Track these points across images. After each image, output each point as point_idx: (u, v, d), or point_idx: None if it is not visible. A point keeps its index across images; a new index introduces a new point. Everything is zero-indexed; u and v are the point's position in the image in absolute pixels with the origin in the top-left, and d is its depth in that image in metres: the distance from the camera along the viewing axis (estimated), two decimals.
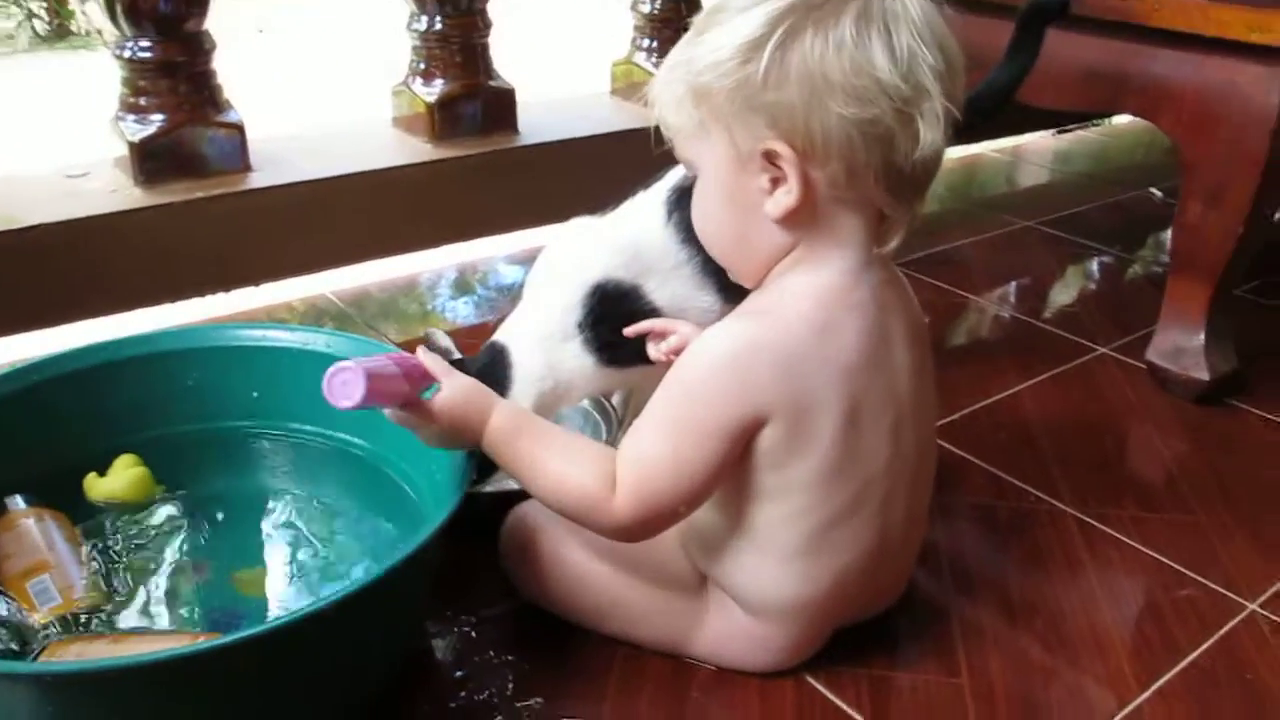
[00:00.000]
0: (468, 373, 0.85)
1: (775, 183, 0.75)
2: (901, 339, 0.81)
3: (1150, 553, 1.05)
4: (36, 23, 7.53)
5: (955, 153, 2.40)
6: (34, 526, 0.90)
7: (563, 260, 1.04)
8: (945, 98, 0.72)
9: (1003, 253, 1.84)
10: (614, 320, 1.00)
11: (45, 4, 7.53)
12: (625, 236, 1.02)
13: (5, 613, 0.84)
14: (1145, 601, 0.99)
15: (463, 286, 1.61)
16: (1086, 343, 1.49)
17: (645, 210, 1.01)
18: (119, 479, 0.97)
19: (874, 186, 0.74)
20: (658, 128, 0.81)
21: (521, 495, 0.94)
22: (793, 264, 0.79)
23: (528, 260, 1.67)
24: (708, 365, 0.78)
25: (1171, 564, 1.03)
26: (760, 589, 0.83)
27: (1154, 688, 0.88)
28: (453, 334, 1.43)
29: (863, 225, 0.77)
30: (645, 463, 0.78)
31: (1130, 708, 0.86)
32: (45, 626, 0.83)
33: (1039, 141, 2.58)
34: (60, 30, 7.52)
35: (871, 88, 0.70)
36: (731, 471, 0.79)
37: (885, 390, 0.80)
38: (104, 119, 1.39)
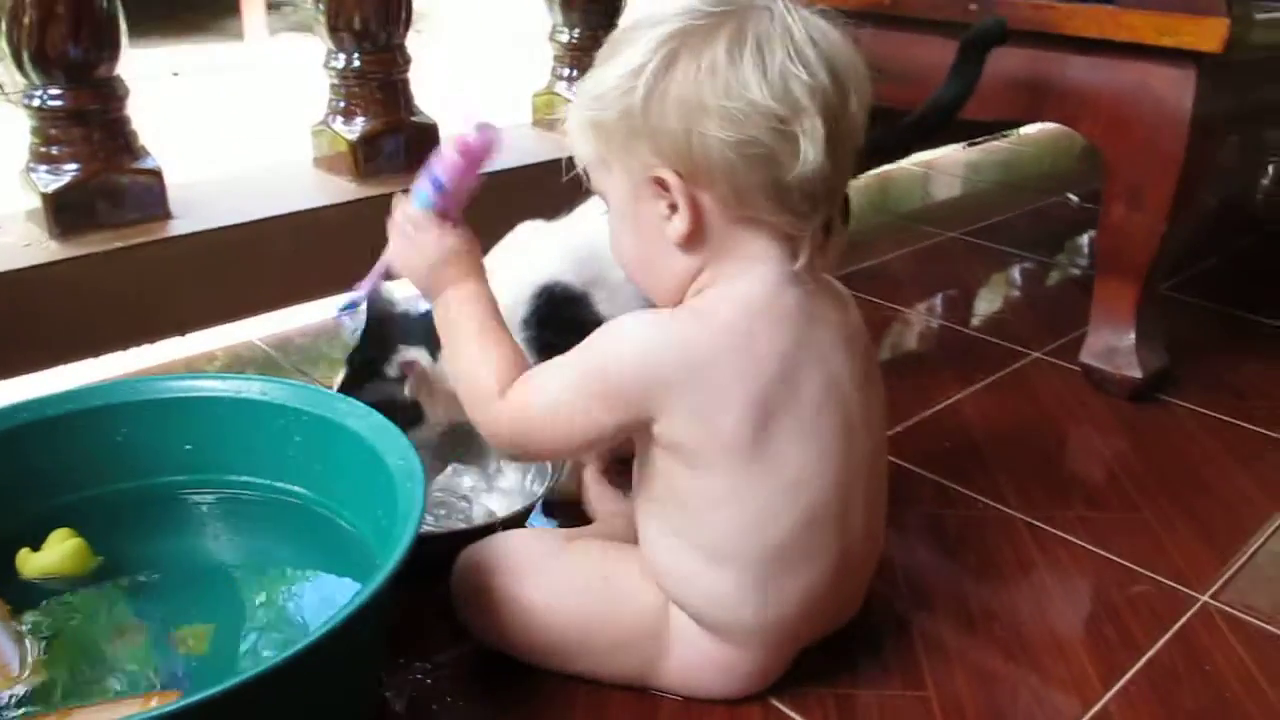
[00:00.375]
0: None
1: (672, 209, 0.76)
2: (839, 350, 0.81)
3: (1100, 551, 1.06)
4: None
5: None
6: None
7: (514, 258, 1.03)
8: (827, 114, 0.73)
9: (929, 264, 1.86)
10: (558, 324, 0.98)
11: None
12: (579, 240, 1.01)
13: None
14: (1100, 601, 1.00)
15: None
16: (1020, 348, 1.51)
17: (599, 218, 1.00)
18: (54, 552, 0.92)
19: (764, 204, 0.75)
20: (570, 158, 0.82)
21: (472, 536, 0.93)
22: (705, 285, 0.79)
23: None
24: (624, 347, 0.79)
25: (1122, 561, 1.04)
26: (724, 609, 0.82)
27: (1117, 686, 0.89)
28: None
29: (770, 243, 0.78)
30: (534, 391, 0.82)
31: (1096, 708, 0.86)
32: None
33: (951, 154, 2.62)
34: None
35: (745, 109, 0.71)
36: (606, 445, 0.83)
37: (823, 398, 0.79)
38: (14, 172, 1.35)
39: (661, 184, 0.75)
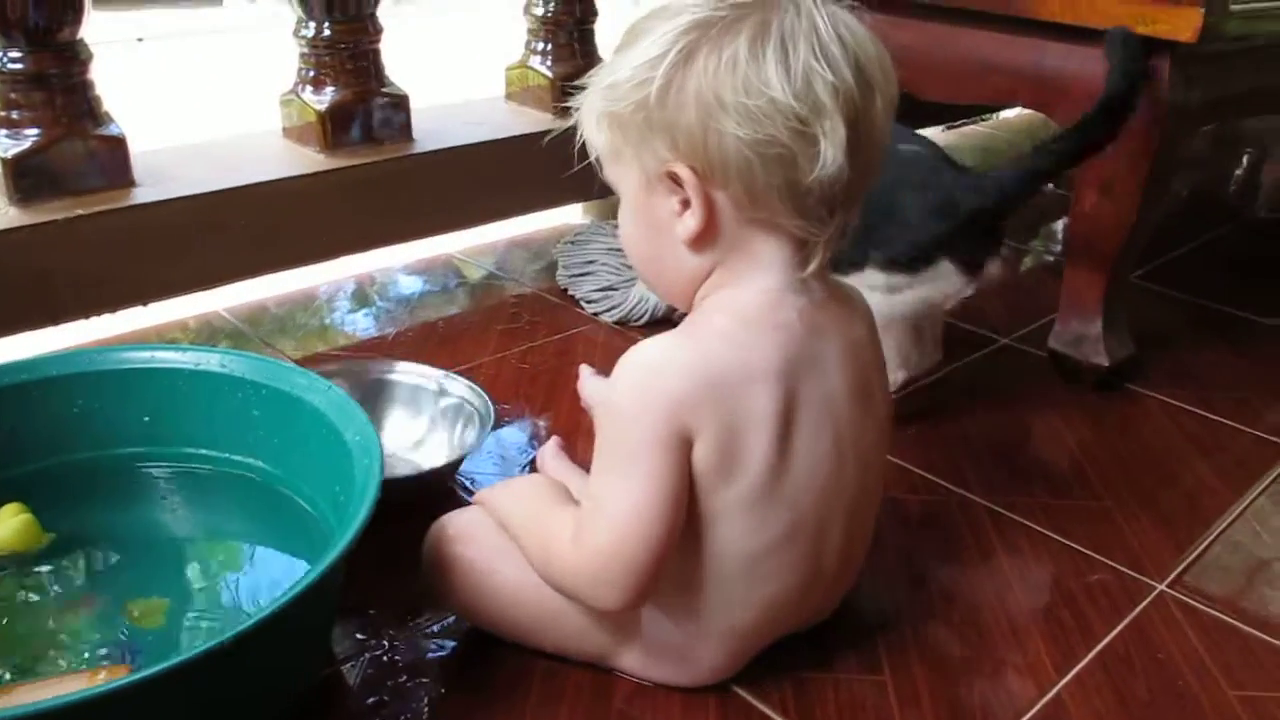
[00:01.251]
0: None
1: (684, 205, 0.74)
2: (837, 364, 0.79)
3: (1060, 539, 1.06)
4: None
5: None
6: None
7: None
8: (850, 115, 0.70)
9: None
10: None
11: None
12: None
13: None
14: (1058, 588, 1.00)
15: (361, 299, 1.57)
16: (988, 333, 1.51)
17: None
18: (2, 529, 0.91)
19: (780, 207, 0.73)
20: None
21: (435, 475, 0.94)
22: (714, 288, 0.78)
23: (426, 271, 1.65)
24: (629, 384, 0.76)
25: (1081, 549, 1.05)
26: (691, 615, 0.81)
27: (1072, 673, 0.89)
28: (352, 347, 1.40)
29: (780, 247, 0.76)
30: (590, 499, 0.77)
31: (1050, 694, 0.87)
32: None
33: (929, 137, 2.61)
34: None
35: (765, 107, 0.69)
36: (682, 492, 0.75)
37: (817, 414, 0.77)
38: None
39: (675, 179, 0.73)
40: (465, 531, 0.87)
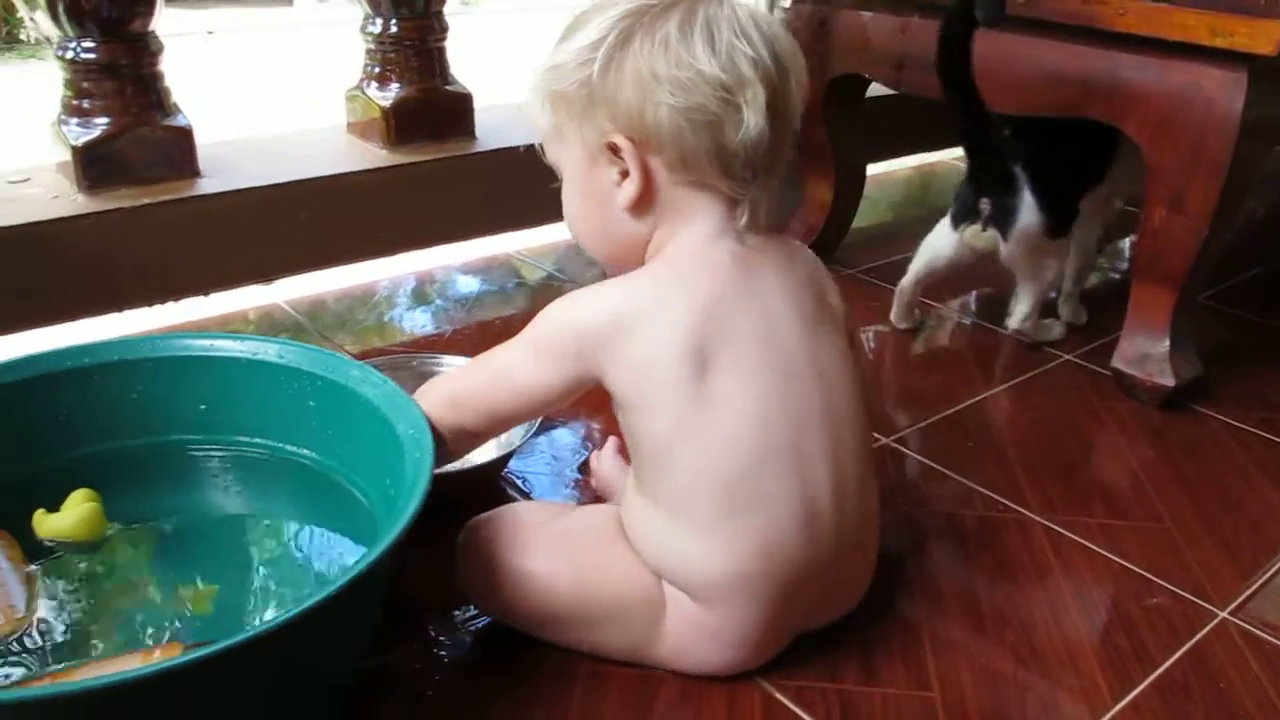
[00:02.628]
0: None
1: (623, 175, 0.82)
2: (779, 295, 0.84)
3: (1119, 560, 1.04)
4: None
5: (910, 161, 2.40)
6: None
7: None
8: (769, 86, 0.79)
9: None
10: None
11: None
12: None
13: None
14: (1115, 610, 0.98)
15: (419, 296, 1.58)
16: (1051, 350, 1.48)
17: None
18: (67, 517, 0.91)
19: (709, 169, 0.81)
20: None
21: (487, 470, 0.97)
22: (654, 249, 0.85)
23: (485, 270, 1.66)
24: (549, 313, 0.86)
25: (1141, 571, 1.02)
26: (687, 564, 0.82)
27: (1127, 699, 0.87)
28: (410, 344, 1.41)
29: (711, 204, 0.83)
30: (481, 363, 0.91)
31: (1105, 719, 0.84)
32: None
33: None
34: (9, 39, 7.41)
35: (694, 78, 0.78)
36: (558, 401, 0.88)
37: (753, 340, 0.82)
38: (45, 127, 1.35)
39: (615, 150, 0.81)
40: (491, 530, 0.89)
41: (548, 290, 1.61)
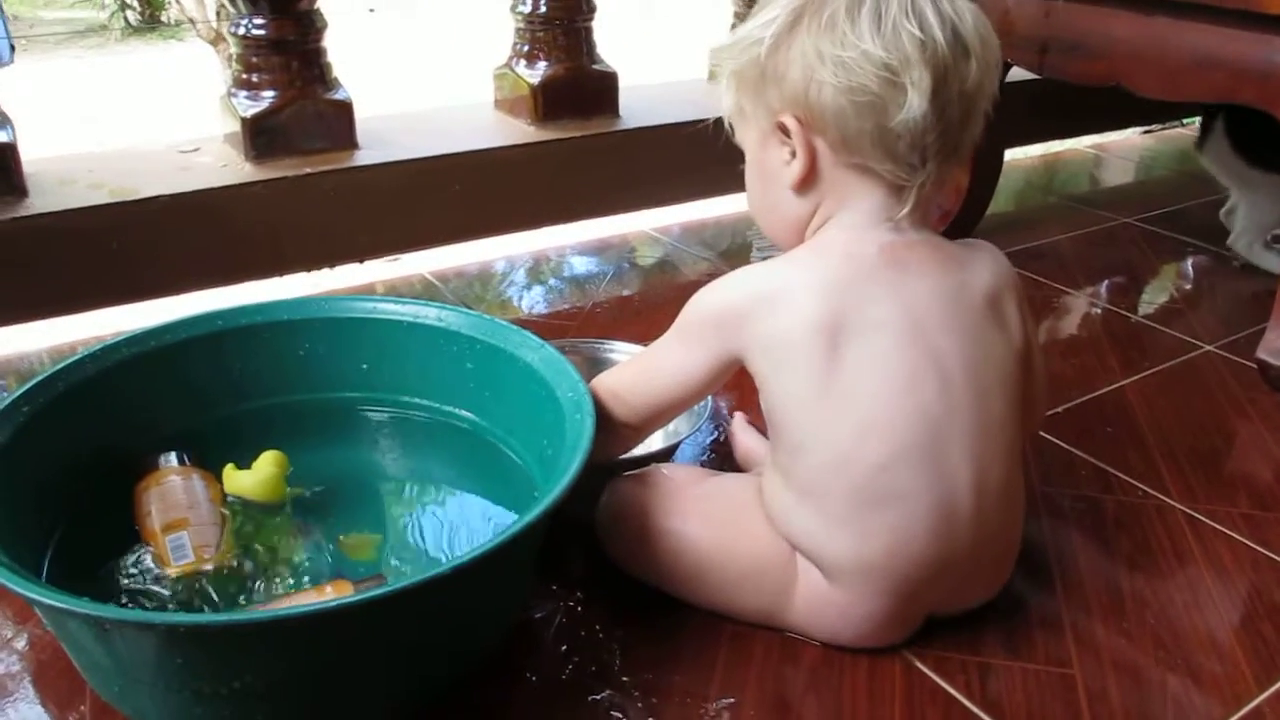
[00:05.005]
0: None
1: (792, 155, 0.83)
2: (931, 299, 0.83)
3: (1264, 551, 1.03)
4: (129, 13, 7.73)
5: (1036, 150, 2.37)
6: (180, 484, 0.93)
7: None
8: (936, 68, 0.78)
9: (1099, 248, 1.81)
10: None
11: None
12: None
13: (147, 564, 0.87)
14: (1261, 600, 0.97)
15: (546, 272, 1.63)
16: (1191, 339, 1.46)
17: None
18: (251, 476, 0.96)
19: (871, 152, 0.80)
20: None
21: (620, 466, 0.96)
22: (814, 230, 0.86)
23: (600, 250, 1.69)
24: (701, 296, 0.87)
25: None
26: (818, 546, 0.84)
27: (1273, 688, 0.86)
28: (549, 316, 1.45)
29: (871, 190, 0.83)
30: (638, 361, 0.94)
31: (1248, 707, 0.84)
32: (176, 580, 0.86)
33: (1126, 139, 2.53)
34: (151, 21, 7.70)
35: (857, 58, 0.77)
36: (704, 387, 0.89)
37: (898, 339, 0.81)
38: (197, 104, 1.42)
39: (784, 130, 0.82)
40: (633, 491, 0.93)
41: (683, 265, 1.63)
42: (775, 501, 0.87)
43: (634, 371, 0.93)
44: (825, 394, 0.80)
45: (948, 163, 0.82)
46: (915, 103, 0.77)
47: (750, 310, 0.83)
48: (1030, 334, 0.89)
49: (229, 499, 0.96)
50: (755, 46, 0.82)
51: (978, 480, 0.83)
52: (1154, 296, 1.65)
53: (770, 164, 0.86)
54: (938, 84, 0.78)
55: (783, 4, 0.81)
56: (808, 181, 0.84)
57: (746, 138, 0.88)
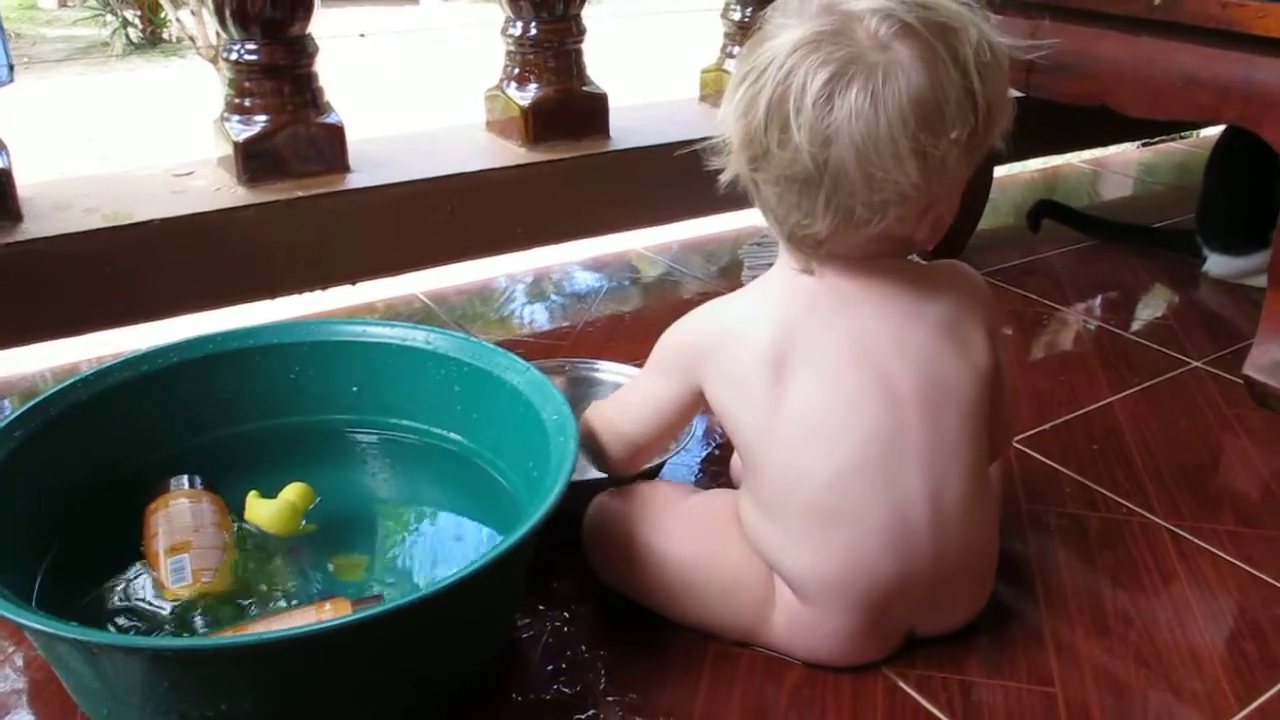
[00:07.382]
0: None
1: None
2: (879, 319, 0.84)
3: (1248, 568, 1.03)
4: (130, 31, 7.77)
5: (1036, 164, 2.38)
6: (188, 507, 0.94)
7: None
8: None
9: (1090, 264, 1.82)
10: None
11: (139, 13, 7.75)
12: None
13: (143, 586, 0.90)
14: (1243, 618, 0.97)
15: (544, 291, 1.64)
16: (1179, 355, 1.47)
17: None
18: (266, 508, 0.97)
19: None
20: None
21: (604, 484, 0.97)
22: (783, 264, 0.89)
23: (609, 266, 1.70)
24: (673, 328, 0.91)
25: (1271, 580, 1.02)
26: (781, 562, 0.86)
27: (1254, 705, 0.87)
28: (540, 336, 1.46)
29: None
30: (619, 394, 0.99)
31: None
32: (173, 603, 0.87)
33: (1123, 154, 2.54)
34: (153, 38, 7.74)
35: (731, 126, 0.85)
36: (675, 415, 0.93)
37: (847, 361, 0.83)
38: (198, 122, 1.44)
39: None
40: (616, 505, 0.95)
41: (672, 286, 1.65)
42: (747, 519, 0.89)
43: (622, 401, 0.97)
44: (774, 416, 0.83)
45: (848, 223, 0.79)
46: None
47: (708, 346, 0.87)
48: (1000, 355, 0.89)
49: (244, 525, 0.97)
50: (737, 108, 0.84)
51: (933, 498, 0.84)
52: (1144, 312, 1.66)
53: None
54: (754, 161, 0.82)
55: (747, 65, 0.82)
56: None
57: None
